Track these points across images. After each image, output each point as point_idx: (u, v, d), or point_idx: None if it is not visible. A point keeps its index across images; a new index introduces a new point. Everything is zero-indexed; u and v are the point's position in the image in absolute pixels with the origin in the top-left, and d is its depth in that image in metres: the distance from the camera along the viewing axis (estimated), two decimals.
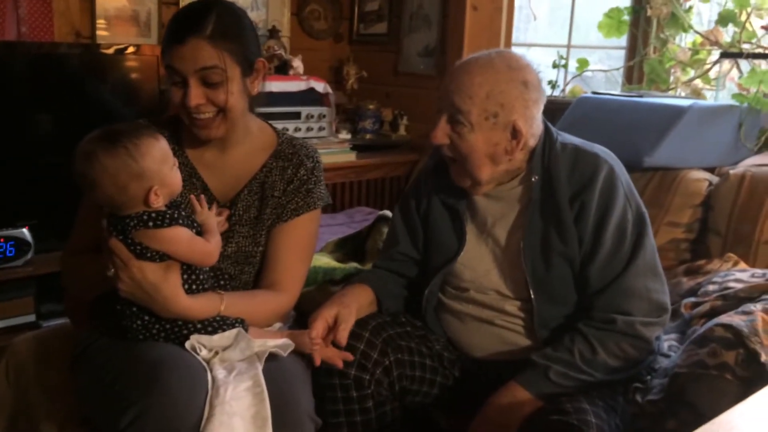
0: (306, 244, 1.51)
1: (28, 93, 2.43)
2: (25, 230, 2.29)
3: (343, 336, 1.39)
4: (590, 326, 1.39)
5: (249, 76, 1.41)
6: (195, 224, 1.30)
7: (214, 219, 1.34)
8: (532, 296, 1.45)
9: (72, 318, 1.65)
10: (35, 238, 2.30)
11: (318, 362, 1.37)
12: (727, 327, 1.32)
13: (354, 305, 1.47)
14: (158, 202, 1.24)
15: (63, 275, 1.53)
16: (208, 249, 1.28)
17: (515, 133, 1.42)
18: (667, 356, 1.50)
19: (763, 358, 1.26)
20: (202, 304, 1.29)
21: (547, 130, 1.50)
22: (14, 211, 2.33)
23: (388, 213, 2.06)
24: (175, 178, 1.28)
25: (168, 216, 1.24)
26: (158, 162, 1.24)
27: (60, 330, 1.77)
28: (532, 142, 1.46)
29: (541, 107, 1.46)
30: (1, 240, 2.23)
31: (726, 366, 1.27)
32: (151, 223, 1.22)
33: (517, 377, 1.38)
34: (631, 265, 1.39)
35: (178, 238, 1.24)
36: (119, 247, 1.22)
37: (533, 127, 1.44)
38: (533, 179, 1.46)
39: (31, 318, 2.32)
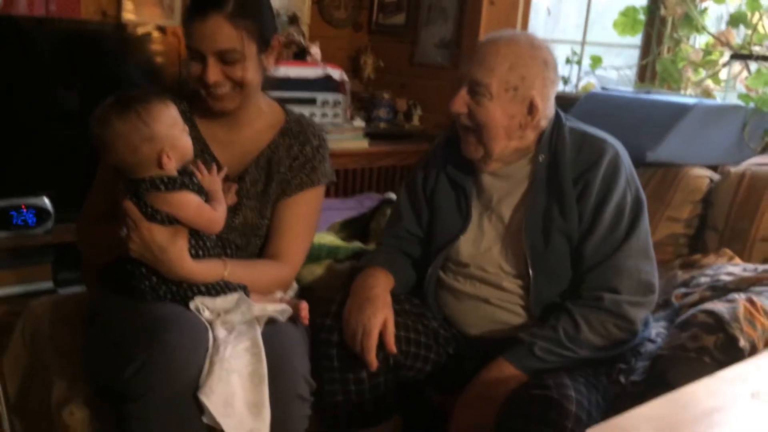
0: (308, 218, 1.58)
1: (54, 67, 2.52)
2: (45, 199, 2.37)
3: (392, 344, 1.47)
4: (577, 304, 1.44)
5: (264, 53, 1.47)
6: (204, 192, 1.37)
7: (219, 186, 1.41)
8: (530, 272, 1.50)
9: (87, 282, 1.74)
10: (55, 207, 2.38)
11: (374, 367, 1.45)
12: (709, 313, 1.37)
13: (389, 300, 1.53)
14: (170, 165, 1.31)
15: (79, 240, 1.60)
16: (214, 216, 1.35)
17: (531, 108, 1.48)
18: (653, 342, 1.55)
19: (741, 343, 1.31)
20: (206, 269, 1.37)
21: (557, 115, 1.57)
22: (36, 181, 2.42)
23: (393, 195, 2.12)
24: (185, 141, 1.35)
25: (179, 181, 1.31)
26: (167, 126, 1.32)
27: (75, 296, 1.86)
28: (544, 123, 1.53)
29: (556, 90, 1.53)
30: (23, 207, 2.32)
31: (705, 349, 1.32)
32: (162, 187, 1.29)
33: (504, 353, 1.44)
34: (624, 244, 1.46)
35: (187, 202, 1.31)
36: (131, 208, 1.30)
37: (548, 107, 1.51)
38: (540, 159, 1.53)
39: (49, 285, 2.40)
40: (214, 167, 1.44)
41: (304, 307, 1.44)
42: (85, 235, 1.57)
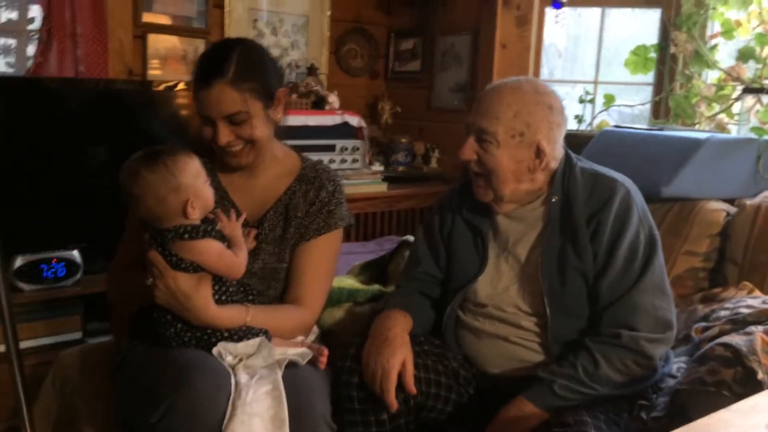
0: (327, 262, 1.62)
1: (83, 125, 2.61)
2: (75, 252, 2.44)
3: (411, 384, 1.49)
4: (595, 341, 1.45)
5: (271, 108, 1.54)
6: (226, 239, 1.43)
7: (239, 231, 1.46)
8: (547, 310, 1.52)
9: (114, 330, 1.79)
10: (84, 260, 2.45)
11: (394, 408, 1.47)
12: (727, 346, 1.37)
13: (408, 341, 1.55)
14: (194, 214, 1.38)
15: (109, 290, 1.66)
16: (235, 261, 1.40)
17: (539, 152, 1.52)
18: (674, 377, 1.55)
19: (760, 375, 1.30)
20: (230, 315, 1.41)
21: (567, 155, 1.61)
22: (66, 234, 2.49)
23: (410, 238, 2.15)
24: (207, 191, 1.42)
25: (201, 229, 1.37)
26: (192, 176, 1.39)
27: (103, 345, 1.90)
28: (554, 164, 1.56)
29: (563, 132, 1.57)
30: (54, 261, 2.39)
31: (724, 383, 1.32)
32: (186, 235, 1.35)
33: (524, 392, 1.45)
34: (640, 281, 1.47)
35: (209, 249, 1.37)
36: (157, 258, 1.35)
37: (555, 149, 1.55)
38: (553, 200, 1.56)
39: (78, 335, 2.45)
40: (233, 213, 1.49)
41: (324, 353, 1.48)
42: (115, 284, 1.63)
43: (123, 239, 1.64)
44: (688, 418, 1.33)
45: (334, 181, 1.65)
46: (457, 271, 1.67)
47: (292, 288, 1.59)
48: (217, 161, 1.61)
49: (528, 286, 1.58)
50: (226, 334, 1.40)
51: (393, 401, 1.47)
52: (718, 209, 2.12)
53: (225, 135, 1.48)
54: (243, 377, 1.34)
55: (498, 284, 1.61)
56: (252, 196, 1.61)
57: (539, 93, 1.54)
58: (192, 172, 1.40)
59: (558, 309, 1.52)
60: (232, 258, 1.40)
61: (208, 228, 1.38)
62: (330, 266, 1.64)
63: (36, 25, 2.88)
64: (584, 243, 1.51)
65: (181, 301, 1.36)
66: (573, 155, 1.62)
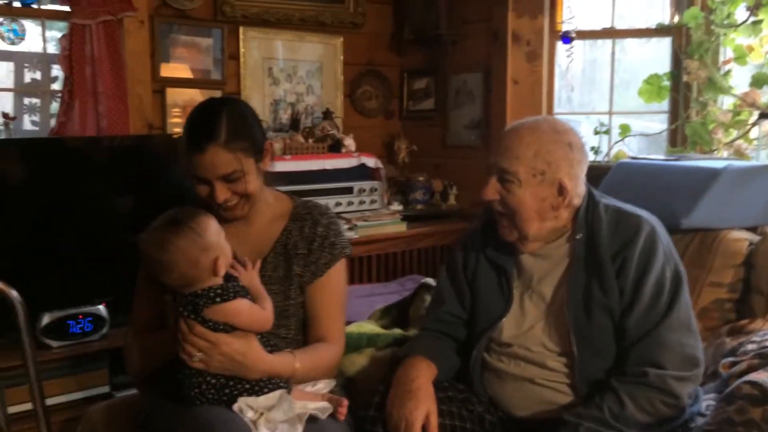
0: (341, 293, 1.67)
1: (107, 181, 2.68)
2: (101, 307, 2.48)
3: None
4: (621, 381, 1.44)
5: (261, 161, 1.59)
6: (248, 293, 1.45)
7: (258, 281, 1.49)
8: (574, 348, 1.51)
9: (137, 386, 1.81)
10: (110, 314, 2.48)
11: None
12: (754, 384, 1.35)
13: (432, 392, 1.55)
14: (223, 271, 1.41)
15: (129, 352, 1.66)
16: (264, 315, 1.45)
17: (561, 190, 1.54)
18: (704, 416, 1.52)
19: None
20: (283, 361, 1.47)
21: (590, 192, 1.62)
22: (92, 289, 2.54)
23: (430, 281, 2.16)
24: (229, 247, 1.47)
25: (231, 289, 1.41)
26: (216, 234, 1.44)
27: (130, 399, 1.92)
28: (577, 201, 1.57)
29: (585, 168, 1.59)
30: (81, 317, 2.43)
31: (752, 423, 1.30)
32: (218, 299, 1.39)
33: None
34: (666, 319, 1.47)
35: (241, 308, 1.41)
36: (203, 331, 1.38)
37: (578, 186, 1.56)
38: (578, 237, 1.57)
39: (106, 389, 2.47)
40: (249, 262, 1.53)
41: (344, 404, 1.49)
42: (136, 346, 1.65)
43: (135, 308, 1.67)
44: None
45: (326, 215, 1.70)
46: (482, 313, 1.67)
47: (316, 326, 1.63)
48: (213, 212, 1.64)
49: (554, 324, 1.57)
50: (248, 386, 1.42)
51: None
52: (741, 238, 2.09)
53: (222, 193, 1.52)
54: (263, 431, 1.35)
55: (523, 323, 1.61)
56: (250, 243, 1.64)
57: (558, 131, 1.56)
58: (215, 230, 1.45)
59: (585, 346, 1.51)
60: (261, 312, 1.44)
61: (237, 288, 1.42)
62: (344, 297, 1.69)
63: (59, 84, 2.98)
64: (610, 280, 1.51)
65: (240, 360, 1.40)
66: (596, 192, 1.63)
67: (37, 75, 3.05)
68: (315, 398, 1.49)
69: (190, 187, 1.61)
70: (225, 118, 1.52)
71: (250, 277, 1.49)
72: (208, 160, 1.49)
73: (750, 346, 1.70)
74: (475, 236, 1.73)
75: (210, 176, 1.51)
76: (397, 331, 1.97)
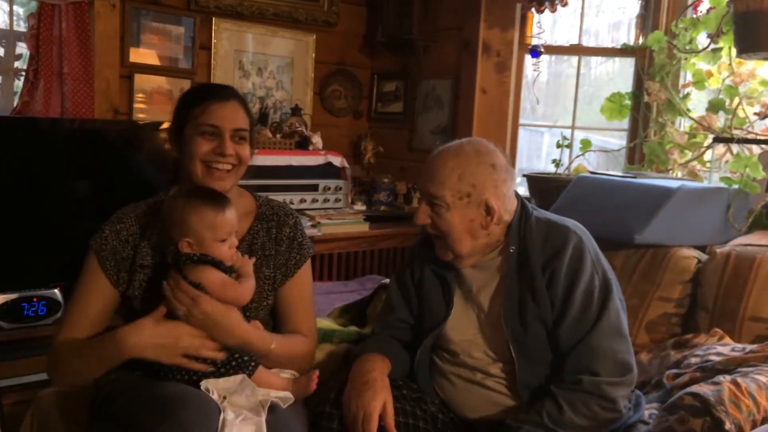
0: (310, 291, 1.75)
1: (67, 164, 2.64)
2: (56, 291, 2.45)
3: (392, 426, 1.53)
4: (560, 387, 1.50)
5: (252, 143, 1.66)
6: (232, 271, 1.51)
7: (248, 265, 1.53)
8: (514, 357, 1.56)
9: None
10: (65, 298, 2.46)
11: None
12: (696, 395, 1.41)
13: (387, 383, 1.59)
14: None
15: (61, 365, 1.56)
16: (239, 290, 1.49)
17: (489, 210, 1.58)
18: (646, 423, 1.59)
19: (727, 426, 1.34)
20: (260, 335, 1.52)
21: (523, 205, 1.66)
22: (47, 273, 2.50)
23: (388, 281, 2.19)
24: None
25: (210, 258, 1.47)
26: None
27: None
28: (507, 217, 1.62)
29: (512, 186, 1.64)
30: (35, 300, 2.40)
31: None
32: (195, 258, 1.45)
33: None
34: (597, 326, 1.52)
35: (213, 276, 1.46)
36: (186, 286, 1.43)
37: (505, 203, 1.61)
38: (510, 250, 1.62)
39: None
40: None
41: (315, 373, 1.55)
42: (67, 358, 1.54)
43: (72, 310, 1.60)
44: None
45: (291, 215, 1.74)
46: (428, 316, 1.72)
47: (289, 322, 1.68)
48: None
49: (492, 333, 1.62)
50: (212, 369, 1.44)
51: None
52: (690, 256, 2.18)
53: (230, 146, 1.56)
54: (230, 415, 1.37)
55: (466, 331, 1.66)
56: None
57: (481, 153, 1.59)
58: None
59: (523, 355, 1.57)
60: (234, 285, 1.48)
61: (220, 262, 1.48)
62: (311, 294, 1.75)
63: (23, 62, 2.92)
64: (541, 291, 1.56)
65: (218, 320, 1.45)
66: (529, 205, 1.68)
67: (0, 52, 2.99)
68: (279, 382, 1.52)
69: (154, 176, 1.63)
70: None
71: (240, 263, 1.53)
72: (230, 110, 1.57)
73: (693, 360, 1.78)
74: (420, 251, 1.77)
75: (227, 126, 1.56)
76: (353, 328, 2.01)
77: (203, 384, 1.42)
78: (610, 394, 1.47)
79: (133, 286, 1.56)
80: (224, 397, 1.41)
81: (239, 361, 1.47)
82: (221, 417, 1.36)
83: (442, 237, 1.61)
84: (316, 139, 3.38)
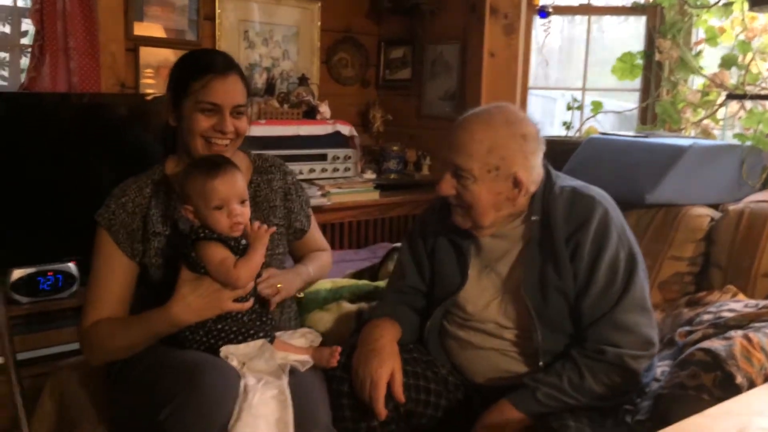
0: (313, 219, 1.90)
1: (77, 139, 2.64)
2: (71, 264, 2.48)
3: (400, 394, 1.54)
4: (582, 354, 1.48)
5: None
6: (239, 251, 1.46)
7: (261, 237, 1.45)
8: (537, 326, 1.53)
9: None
10: (81, 272, 2.48)
11: (383, 417, 1.51)
12: (707, 351, 1.41)
13: (396, 350, 1.59)
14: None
15: (95, 346, 1.55)
16: (231, 275, 1.42)
17: (516, 183, 1.52)
18: (658, 381, 1.59)
19: (738, 380, 1.34)
20: (297, 270, 1.75)
21: (547, 174, 1.60)
22: (62, 247, 2.52)
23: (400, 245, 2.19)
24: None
25: (215, 234, 1.44)
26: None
27: None
28: (533, 187, 1.56)
29: (541, 155, 1.56)
30: (50, 273, 2.42)
31: (703, 387, 1.36)
32: (201, 234, 1.44)
33: (507, 396, 1.48)
34: (621, 300, 1.48)
35: (212, 253, 1.43)
36: (184, 272, 1.45)
37: (533, 175, 1.55)
38: (533, 219, 1.57)
39: (75, 346, 2.46)
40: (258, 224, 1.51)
41: (338, 350, 1.54)
42: (103, 337, 1.54)
43: (95, 290, 1.58)
44: (669, 422, 1.37)
45: (285, 165, 1.82)
46: (440, 285, 1.70)
47: (310, 247, 1.87)
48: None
49: (511, 302, 1.59)
50: (231, 336, 1.45)
51: (382, 410, 1.50)
52: (703, 214, 2.16)
53: (230, 123, 1.55)
54: (250, 380, 1.38)
55: (479, 300, 1.63)
56: None
57: (510, 123, 1.53)
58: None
59: (544, 325, 1.54)
60: (229, 270, 1.42)
61: (222, 236, 1.45)
62: (314, 219, 1.91)
63: (29, 38, 2.92)
64: (564, 263, 1.52)
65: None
66: (553, 173, 1.62)
67: (7, 29, 2.99)
68: (297, 351, 1.52)
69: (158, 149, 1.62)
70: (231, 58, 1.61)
71: (256, 235, 1.46)
72: (230, 85, 1.55)
73: (706, 317, 1.77)
74: (434, 214, 1.73)
75: (226, 102, 1.54)
76: (365, 281, 2.03)
77: (223, 351, 1.43)
78: (632, 365, 1.45)
79: (149, 254, 1.56)
80: (243, 363, 1.42)
81: (263, 320, 1.50)
82: (242, 382, 1.38)
83: (464, 207, 1.57)
84: (324, 109, 3.37)
